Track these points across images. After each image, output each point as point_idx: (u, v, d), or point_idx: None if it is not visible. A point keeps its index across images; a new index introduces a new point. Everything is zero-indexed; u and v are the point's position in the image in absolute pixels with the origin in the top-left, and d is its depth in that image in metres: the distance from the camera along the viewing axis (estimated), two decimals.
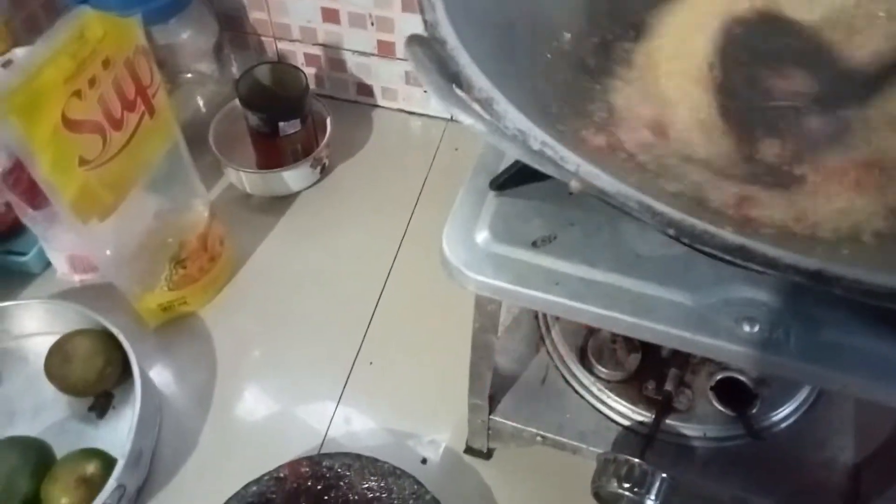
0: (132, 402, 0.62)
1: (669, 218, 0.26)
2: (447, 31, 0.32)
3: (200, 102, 0.87)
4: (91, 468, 0.60)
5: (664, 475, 0.50)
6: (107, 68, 0.55)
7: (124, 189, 0.61)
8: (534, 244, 0.41)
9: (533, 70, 0.41)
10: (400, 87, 0.88)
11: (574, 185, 0.26)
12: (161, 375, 0.71)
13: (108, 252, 0.64)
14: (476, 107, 0.29)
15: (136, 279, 0.68)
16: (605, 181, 0.26)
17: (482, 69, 0.32)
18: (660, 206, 0.26)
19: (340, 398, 0.69)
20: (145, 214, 0.67)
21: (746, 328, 0.37)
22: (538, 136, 0.28)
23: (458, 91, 0.30)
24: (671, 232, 0.26)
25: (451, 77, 0.31)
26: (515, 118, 0.29)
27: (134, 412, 0.60)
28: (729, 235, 0.25)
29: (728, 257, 0.26)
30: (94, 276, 0.75)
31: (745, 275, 0.38)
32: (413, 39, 0.31)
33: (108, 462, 0.61)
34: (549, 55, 0.43)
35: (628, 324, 0.39)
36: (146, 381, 0.64)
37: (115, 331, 0.66)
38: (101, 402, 0.67)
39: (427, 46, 0.31)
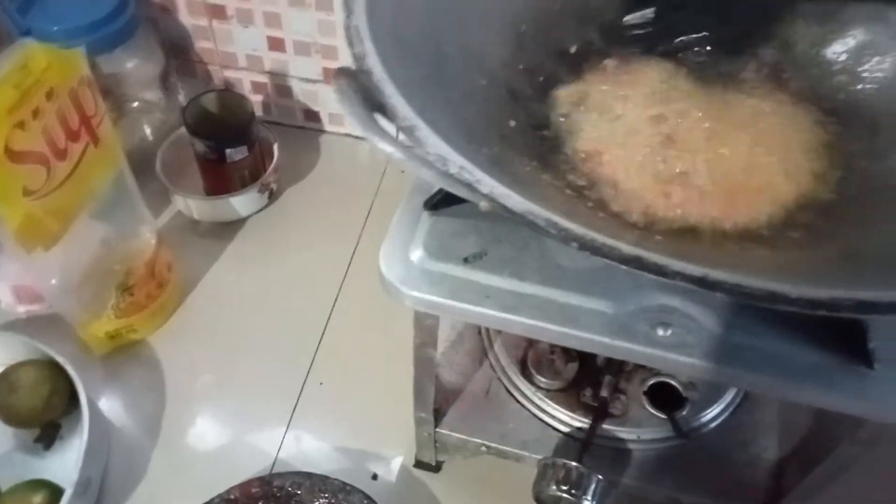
0: (79, 432, 0.62)
1: (573, 233, 0.29)
2: (374, 63, 0.35)
3: (147, 130, 0.87)
4: (38, 499, 0.60)
5: (600, 477, 0.52)
6: (50, 99, 0.56)
7: (69, 218, 0.62)
8: (466, 260, 0.43)
9: (464, 97, 0.43)
10: None
11: (483, 205, 0.28)
12: (109, 404, 0.71)
13: (53, 281, 0.65)
14: (399, 135, 0.32)
15: (83, 308, 0.68)
16: (514, 201, 0.29)
17: (408, 98, 0.34)
18: (564, 223, 0.29)
19: (291, 419, 0.70)
20: (91, 242, 0.67)
21: (660, 332, 0.40)
22: (456, 161, 0.31)
23: (382, 120, 0.32)
24: (575, 245, 0.29)
25: (377, 107, 0.33)
26: (435, 144, 0.31)
27: (81, 441, 0.60)
28: (624, 247, 0.28)
29: (625, 267, 0.29)
30: (40, 306, 0.74)
31: (660, 283, 0.41)
32: (340, 72, 0.33)
33: (55, 493, 0.61)
34: (482, 82, 0.46)
35: (556, 333, 0.41)
36: (94, 410, 0.64)
37: (61, 360, 0.65)
38: (47, 433, 0.67)
39: (353, 78, 0.33)
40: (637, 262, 0.28)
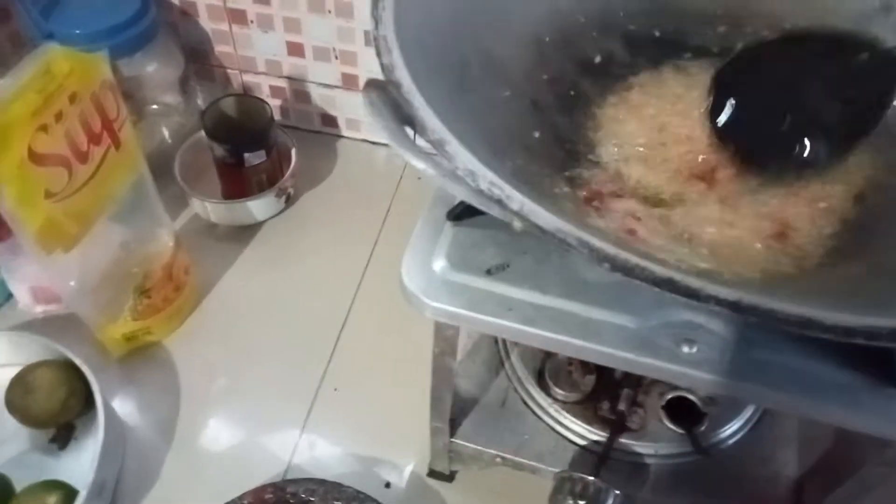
0: (95, 433, 0.62)
1: (605, 253, 0.28)
2: (402, 74, 0.35)
3: (166, 133, 0.88)
4: (52, 500, 0.60)
5: (617, 492, 0.52)
6: (73, 103, 0.57)
7: (89, 221, 0.62)
8: (488, 272, 0.43)
9: (488, 108, 0.43)
10: (364, 118, 0.90)
11: (517, 224, 0.28)
12: (124, 406, 0.71)
13: (71, 283, 0.65)
14: (429, 148, 0.32)
15: (100, 310, 0.69)
16: (545, 219, 0.29)
17: (436, 110, 0.34)
18: (596, 242, 0.28)
19: (305, 424, 0.70)
20: (110, 245, 0.67)
21: (685, 349, 0.40)
22: (486, 176, 0.31)
23: (411, 134, 0.32)
24: (606, 266, 0.28)
25: (406, 120, 0.33)
26: (465, 159, 0.31)
27: (96, 443, 0.60)
28: (657, 269, 0.28)
29: (657, 288, 0.28)
30: (57, 307, 0.75)
31: (685, 299, 0.41)
32: (370, 84, 0.33)
33: (69, 494, 0.61)
34: (505, 93, 0.45)
35: (576, 347, 0.41)
36: (109, 412, 0.64)
37: (77, 361, 0.66)
38: (62, 434, 0.67)
39: (383, 90, 0.33)
40: (670, 285, 0.28)
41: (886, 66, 0.42)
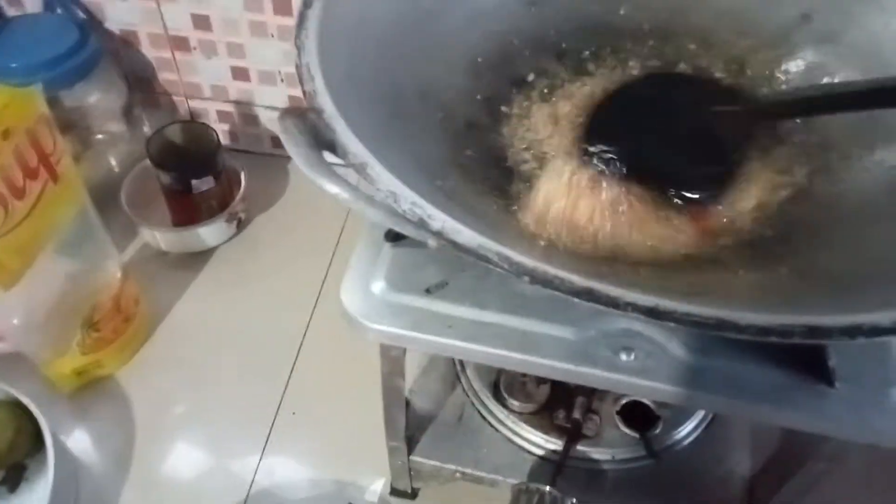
0: (46, 473, 0.61)
1: (524, 267, 0.29)
2: (324, 100, 0.35)
3: (113, 162, 0.87)
4: None
5: (573, 501, 0.52)
6: (7, 139, 0.56)
7: (30, 256, 0.61)
8: (427, 291, 0.43)
9: (421, 131, 0.43)
10: None
11: (432, 243, 0.28)
12: (77, 441, 0.70)
13: (14, 321, 0.63)
14: (348, 173, 0.32)
15: (48, 345, 0.67)
16: (465, 236, 0.29)
17: (360, 135, 0.34)
18: (515, 257, 0.29)
19: (264, 450, 0.69)
20: (55, 279, 0.66)
21: (623, 357, 0.40)
22: (408, 197, 0.31)
23: (332, 159, 0.32)
24: (527, 279, 0.29)
25: (327, 145, 0.33)
26: (387, 180, 0.31)
27: (48, 483, 0.59)
28: (577, 280, 0.28)
29: (577, 299, 0.29)
30: (2, 345, 0.73)
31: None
32: (287, 112, 0.33)
33: None
34: (439, 115, 0.46)
35: (518, 360, 0.41)
36: (60, 450, 0.62)
37: (25, 400, 0.64)
38: (12, 475, 0.65)
39: (300, 117, 0.33)
40: (589, 295, 0.28)
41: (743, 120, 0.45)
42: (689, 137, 0.44)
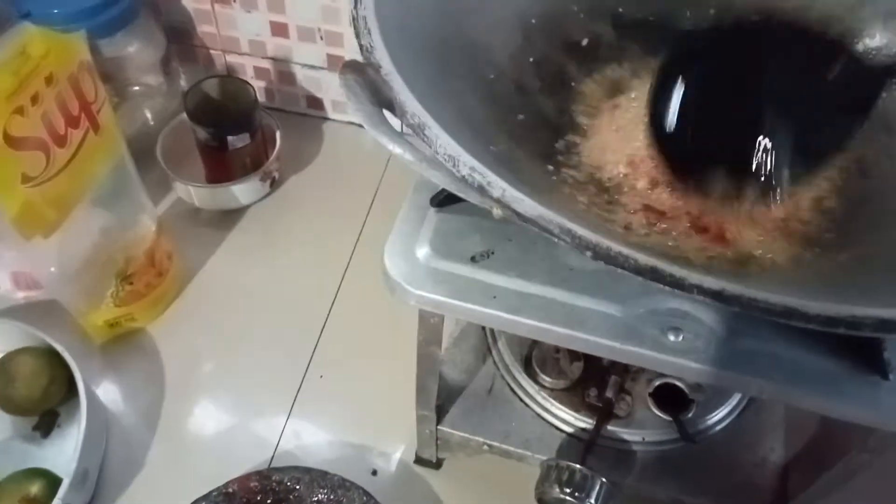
0: (78, 421, 0.61)
1: (587, 241, 0.28)
2: (382, 56, 0.34)
3: (148, 115, 0.86)
4: (35, 489, 0.60)
5: (603, 479, 0.51)
6: (50, 85, 0.55)
7: (69, 205, 0.61)
8: (472, 259, 0.42)
9: (471, 91, 0.42)
10: None
11: (496, 212, 0.27)
12: (108, 393, 0.70)
13: (52, 269, 0.64)
14: (408, 132, 0.31)
15: (82, 296, 0.68)
16: (526, 206, 0.28)
17: (416, 93, 0.33)
18: (579, 230, 0.28)
19: (291, 411, 0.70)
20: (91, 230, 0.66)
21: (671, 337, 0.39)
22: (468, 162, 0.30)
23: (390, 118, 0.31)
24: (589, 254, 0.28)
25: (384, 103, 0.32)
26: (446, 143, 0.30)
27: (79, 431, 0.60)
28: (641, 257, 0.27)
29: (641, 278, 0.28)
30: (38, 292, 0.73)
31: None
32: (347, 66, 0.32)
33: (53, 482, 0.60)
34: (490, 75, 0.44)
35: (561, 335, 0.40)
36: (92, 399, 0.63)
37: (59, 348, 0.65)
38: (45, 422, 0.66)
39: (361, 72, 0.32)
40: (653, 274, 0.27)
41: (864, 79, 0.39)
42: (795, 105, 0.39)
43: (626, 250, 0.28)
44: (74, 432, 0.65)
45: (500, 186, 0.29)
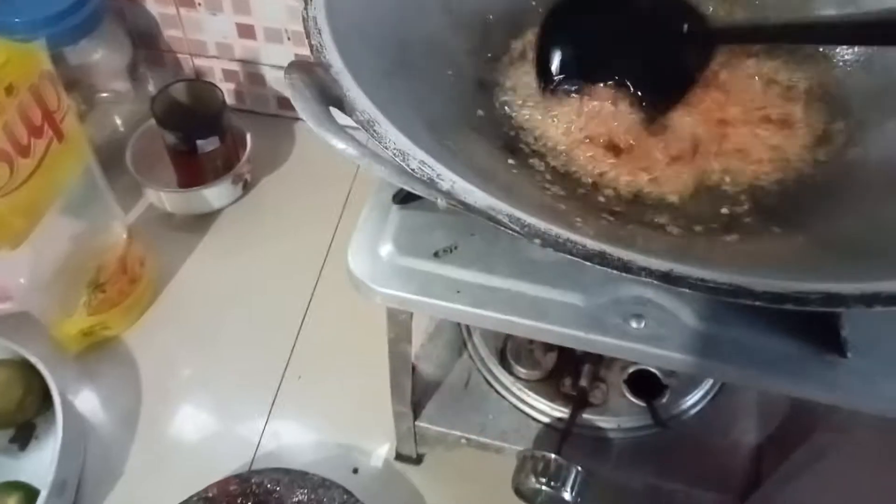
0: (55, 432, 0.61)
1: (536, 229, 0.28)
2: (332, 55, 0.34)
3: (118, 122, 0.86)
4: (13, 502, 0.59)
5: (579, 468, 0.52)
6: (10, 95, 0.55)
7: (35, 215, 0.60)
8: (436, 255, 0.42)
9: (431, 90, 0.42)
10: None
11: (441, 203, 0.28)
12: (85, 402, 0.70)
13: (22, 280, 0.63)
14: (355, 131, 0.31)
15: (54, 305, 0.67)
16: (476, 197, 0.28)
17: (368, 92, 0.33)
18: (527, 219, 0.28)
19: (270, 413, 0.70)
20: (60, 239, 0.65)
21: (634, 325, 0.39)
22: (417, 156, 0.30)
23: (340, 115, 0.31)
24: (538, 242, 0.28)
25: (334, 101, 0.32)
26: (395, 138, 0.30)
27: (56, 441, 0.59)
28: (589, 242, 0.28)
29: (590, 263, 0.28)
30: (10, 304, 0.73)
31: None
32: (293, 66, 0.32)
33: (30, 494, 0.60)
34: (448, 72, 0.45)
35: (527, 327, 0.41)
36: (68, 409, 0.63)
37: (33, 359, 0.64)
38: (22, 434, 0.66)
39: (308, 71, 0.32)
40: (601, 258, 0.28)
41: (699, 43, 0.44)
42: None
43: (574, 237, 0.28)
44: (52, 443, 0.65)
45: (449, 179, 0.29)
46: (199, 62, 0.88)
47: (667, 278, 0.27)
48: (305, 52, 0.82)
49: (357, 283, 0.42)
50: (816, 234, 0.37)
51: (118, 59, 0.82)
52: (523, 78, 0.46)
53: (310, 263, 0.79)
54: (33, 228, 0.60)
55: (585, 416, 0.59)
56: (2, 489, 0.61)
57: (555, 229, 0.28)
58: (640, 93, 0.44)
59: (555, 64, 0.45)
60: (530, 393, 0.60)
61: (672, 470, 0.57)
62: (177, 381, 0.71)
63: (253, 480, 0.61)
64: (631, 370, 0.59)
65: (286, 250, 0.80)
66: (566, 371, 0.60)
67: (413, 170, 0.29)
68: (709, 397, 0.61)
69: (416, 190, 0.28)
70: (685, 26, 0.44)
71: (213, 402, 0.70)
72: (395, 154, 0.30)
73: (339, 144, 0.28)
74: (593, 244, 0.28)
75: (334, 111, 0.33)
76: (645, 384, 0.58)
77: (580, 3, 0.46)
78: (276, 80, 0.87)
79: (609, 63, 0.44)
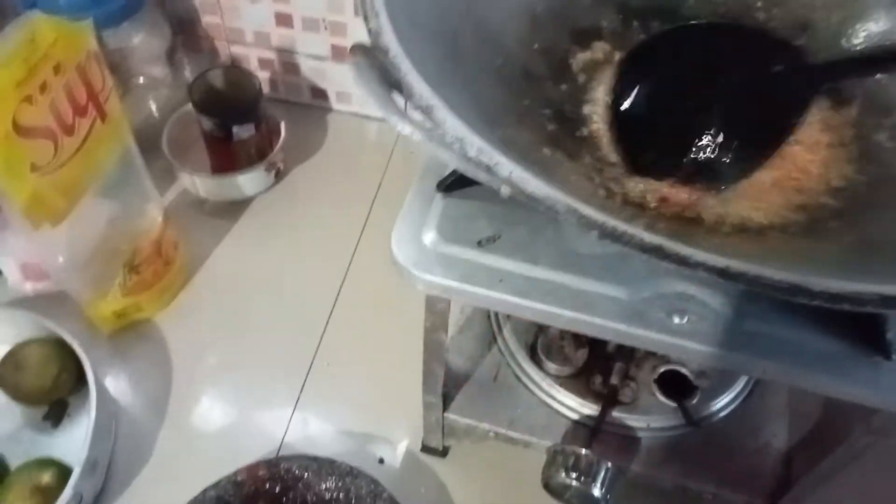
0: (87, 410, 0.62)
1: (594, 220, 0.28)
2: (389, 39, 0.34)
3: (153, 107, 0.87)
4: (46, 477, 0.60)
5: (609, 464, 0.52)
6: (58, 73, 0.55)
7: (76, 195, 0.61)
8: (479, 243, 0.42)
9: (479, 76, 0.42)
10: (354, 90, 0.89)
11: (504, 190, 0.28)
12: (116, 382, 0.71)
13: (60, 259, 0.64)
14: (416, 114, 0.31)
15: (90, 286, 0.68)
16: (534, 186, 0.28)
17: (424, 76, 0.33)
18: (585, 210, 0.28)
19: (298, 401, 0.70)
20: (98, 220, 0.66)
21: (676, 320, 0.39)
22: (474, 143, 0.30)
23: (399, 99, 0.31)
24: (595, 233, 0.28)
25: (393, 85, 0.32)
26: (453, 125, 0.31)
27: (89, 420, 0.60)
28: (646, 235, 0.28)
29: (646, 255, 0.28)
30: (47, 283, 0.74)
31: (677, 269, 0.40)
32: (356, 49, 0.32)
33: (63, 471, 0.61)
34: (497, 61, 0.45)
35: (568, 318, 0.41)
36: (101, 389, 0.63)
37: (68, 338, 0.65)
38: (55, 411, 0.67)
39: (370, 55, 0.32)
40: (659, 252, 0.28)
41: (803, 80, 0.42)
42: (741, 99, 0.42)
43: (631, 229, 0.28)
44: (84, 422, 0.66)
45: (507, 167, 0.29)
46: (235, 49, 0.88)
47: (724, 274, 0.27)
48: (342, 42, 0.83)
49: (400, 269, 0.42)
50: (862, 237, 0.37)
51: (157, 44, 0.83)
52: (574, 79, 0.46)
53: (341, 252, 0.80)
54: (73, 208, 0.61)
55: (615, 413, 0.59)
56: (36, 465, 0.62)
57: (612, 221, 0.28)
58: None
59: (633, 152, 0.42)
60: (560, 389, 0.60)
61: (701, 470, 0.57)
62: (206, 366, 0.72)
63: (282, 466, 0.61)
64: (661, 370, 0.59)
65: (317, 239, 0.81)
66: (597, 368, 0.60)
67: (471, 157, 0.30)
68: (739, 399, 0.60)
69: (479, 177, 0.28)
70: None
71: (242, 388, 0.71)
72: (453, 141, 0.30)
73: (407, 129, 0.28)
74: (651, 237, 0.28)
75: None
76: (675, 384, 0.58)
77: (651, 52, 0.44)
78: (311, 69, 0.88)
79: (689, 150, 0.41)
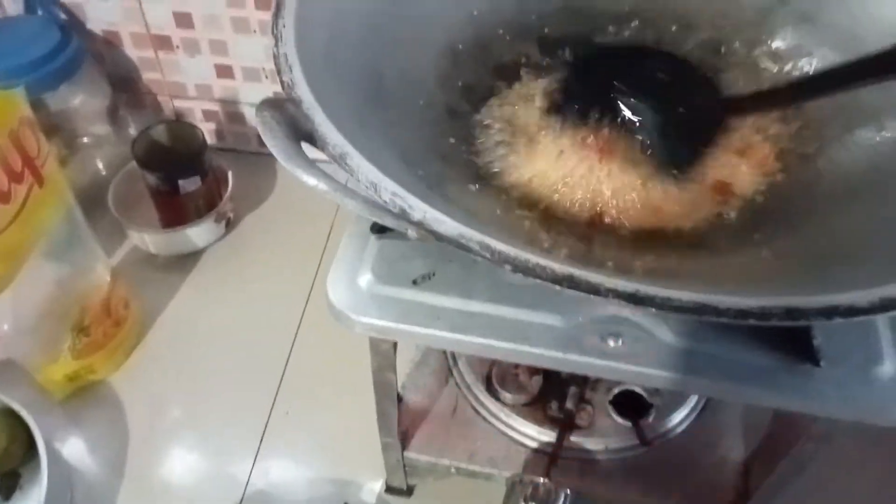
0: (39, 481, 0.60)
1: (506, 255, 0.29)
2: (303, 91, 0.34)
3: (100, 165, 0.86)
4: None
5: (567, 491, 0.52)
6: None
7: (18, 260, 0.60)
8: (414, 282, 0.43)
9: (403, 119, 0.43)
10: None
11: (411, 233, 0.28)
12: (72, 447, 0.69)
13: (5, 326, 0.63)
14: (325, 166, 0.32)
15: (38, 351, 0.67)
16: (447, 227, 0.29)
17: (338, 125, 0.34)
18: (497, 245, 0.29)
19: (258, 451, 0.69)
20: (43, 284, 0.65)
21: (612, 343, 0.40)
22: (388, 187, 0.31)
23: (311, 150, 0.32)
24: (508, 267, 0.29)
25: (306, 136, 0.33)
26: (367, 171, 0.31)
27: (41, 491, 0.59)
28: (557, 267, 0.28)
29: (559, 286, 0.29)
30: None
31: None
32: (264, 103, 0.33)
33: None
34: (420, 101, 0.46)
35: (506, 350, 0.41)
36: (53, 458, 0.62)
37: (17, 407, 0.64)
38: (6, 483, 0.65)
39: (279, 108, 0.33)
40: (570, 281, 0.28)
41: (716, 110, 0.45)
42: (671, 109, 0.44)
43: (542, 261, 0.28)
44: (36, 492, 0.64)
45: (421, 209, 0.30)
46: (178, 103, 0.89)
47: (633, 299, 0.28)
48: None
49: (337, 313, 0.43)
50: (779, 250, 0.38)
51: (98, 103, 0.83)
52: (497, 110, 0.48)
53: (294, 299, 0.80)
54: (16, 274, 0.60)
55: (573, 438, 0.59)
56: None
57: (524, 254, 0.29)
58: (650, 151, 0.43)
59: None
60: (517, 418, 0.60)
61: (661, 488, 0.57)
62: (164, 423, 0.71)
63: None
64: (616, 391, 0.59)
65: (271, 287, 0.81)
66: (552, 394, 0.60)
67: (385, 201, 0.30)
68: (693, 415, 0.61)
69: (387, 222, 0.28)
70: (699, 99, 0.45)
71: (202, 442, 0.70)
72: (367, 186, 0.31)
73: (311, 180, 0.29)
74: (561, 268, 0.28)
75: (308, 147, 0.34)
76: (631, 404, 0.59)
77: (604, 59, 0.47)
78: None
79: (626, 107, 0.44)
